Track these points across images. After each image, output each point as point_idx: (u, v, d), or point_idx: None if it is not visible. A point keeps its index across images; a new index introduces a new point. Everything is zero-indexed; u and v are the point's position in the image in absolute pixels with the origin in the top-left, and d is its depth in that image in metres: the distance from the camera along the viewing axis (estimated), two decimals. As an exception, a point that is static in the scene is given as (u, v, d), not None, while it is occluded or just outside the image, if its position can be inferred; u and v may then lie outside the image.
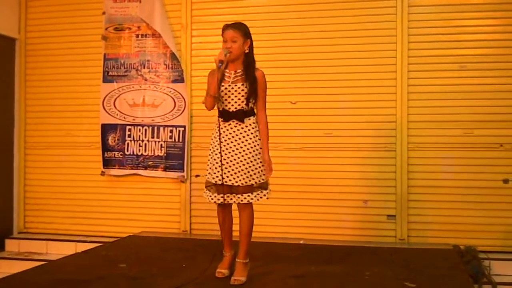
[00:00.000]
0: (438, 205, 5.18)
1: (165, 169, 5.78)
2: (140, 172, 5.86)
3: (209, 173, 3.67)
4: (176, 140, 5.75)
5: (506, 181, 5.07)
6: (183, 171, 5.69)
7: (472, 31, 5.20)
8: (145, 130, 5.84)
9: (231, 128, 3.61)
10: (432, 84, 5.23)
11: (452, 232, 5.12)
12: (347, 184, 5.38)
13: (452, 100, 5.20)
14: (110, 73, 5.94)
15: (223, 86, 3.58)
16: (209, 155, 3.69)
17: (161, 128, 5.80)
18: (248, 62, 3.62)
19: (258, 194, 3.60)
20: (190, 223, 5.72)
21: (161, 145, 5.79)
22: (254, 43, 5.40)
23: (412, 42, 5.26)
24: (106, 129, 5.93)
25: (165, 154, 5.78)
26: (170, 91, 5.78)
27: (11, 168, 6.18)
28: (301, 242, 5.21)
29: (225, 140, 3.60)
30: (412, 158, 5.25)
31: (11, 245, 5.96)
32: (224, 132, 3.62)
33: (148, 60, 5.84)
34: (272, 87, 5.34)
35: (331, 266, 4.20)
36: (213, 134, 3.69)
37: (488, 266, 4.73)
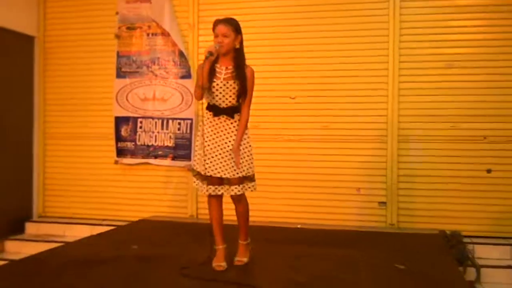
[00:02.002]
0: (426, 193, 5.15)
1: (174, 158, 5.74)
2: (151, 161, 5.83)
3: (197, 163, 3.49)
4: (184, 131, 5.72)
5: (489, 171, 5.05)
6: (190, 160, 5.66)
7: (459, 32, 5.15)
8: (155, 122, 5.81)
9: (221, 122, 3.44)
10: (421, 81, 5.19)
11: (439, 218, 5.09)
12: (342, 173, 5.34)
13: (439, 95, 5.15)
14: (123, 70, 5.89)
15: (214, 82, 3.39)
16: (197, 146, 3.51)
17: (170, 121, 5.76)
18: (239, 59, 3.43)
19: (245, 186, 3.45)
20: (197, 208, 5.69)
21: (170, 136, 5.76)
22: (257, 42, 5.38)
23: (403, 42, 5.20)
24: (119, 121, 5.89)
25: (173, 145, 5.74)
26: (178, 86, 5.73)
27: (31, 157, 6.15)
28: (299, 226, 5.19)
29: (214, 134, 3.45)
30: (402, 149, 5.22)
31: (31, 228, 5.94)
32: (213, 126, 3.46)
33: (158, 58, 5.79)
34: (273, 83, 5.42)
35: (326, 249, 4.19)
36: (200, 126, 3.53)
37: (472, 250, 4.70)
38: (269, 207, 5.40)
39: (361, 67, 5.30)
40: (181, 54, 5.68)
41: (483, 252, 4.74)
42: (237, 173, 3.40)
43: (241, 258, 3.61)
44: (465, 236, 4.81)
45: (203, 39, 5.65)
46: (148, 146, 5.83)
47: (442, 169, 5.12)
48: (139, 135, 5.86)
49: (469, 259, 4.56)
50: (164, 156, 5.78)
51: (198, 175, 3.50)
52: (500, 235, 4.94)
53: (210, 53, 3.31)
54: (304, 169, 5.41)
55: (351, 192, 5.33)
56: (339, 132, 5.36)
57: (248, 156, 3.47)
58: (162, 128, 5.79)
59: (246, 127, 3.49)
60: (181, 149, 5.72)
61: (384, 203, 5.26)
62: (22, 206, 6.03)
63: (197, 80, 3.44)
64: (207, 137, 3.46)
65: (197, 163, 3.50)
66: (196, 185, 3.53)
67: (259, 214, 5.06)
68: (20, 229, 5.89)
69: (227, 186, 3.43)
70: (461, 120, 5.11)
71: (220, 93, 3.42)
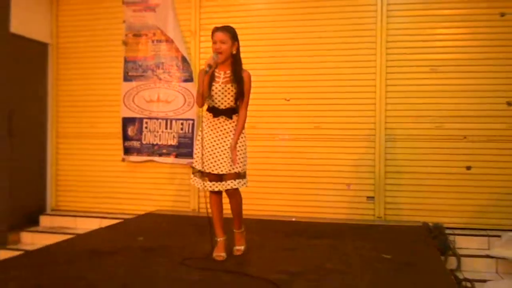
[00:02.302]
0: (411, 188, 5.20)
1: (177, 156, 5.78)
2: (155, 158, 5.87)
3: (197, 162, 3.53)
4: (186, 131, 5.75)
5: (469, 168, 5.09)
6: (192, 158, 5.68)
7: (442, 39, 5.19)
8: (160, 122, 5.84)
9: (220, 123, 3.49)
10: (407, 84, 5.23)
11: (422, 211, 5.13)
12: (333, 170, 5.38)
13: (424, 98, 5.19)
14: (129, 74, 5.93)
15: (213, 85, 3.42)
16: (197, 145, 3.55)
17: (173, 121, 5.79)
18: (236, 64, 3.45)
19: (239, 181, 3.47)
20: (198, 203, 5.73)
21: (173, 135, 5.79)
22: (255, 48, 5.41)
23: (390, 48, 5.25)
24: (126, 121, 5.93)
25: (177, 144, 5.78)
26: (181, 89, 5.77)
27: (45, 155, 6.21)
28: (293, 219, 5.22)
29: (214, 133, 3.48)
30: (389, 148, 5.26)
31: (45, 220, 5.99)
32: (213, 126, 3.49)
33: (162, 62, 5.82)
34: (269, 86, 5.46)
35: (319, 240, 4.21)
36: (201, 126, 3.55)
37: (453, 241, 4.75)
38: (265, 202, 5.45)
39: (351, 71, 5.35)
40: (184, 59, 5.72)
41: (463, 243, 4.79)
42: (233, 169, 3.45)
43: (239, 247, 3.66)
44: (447, 228, 4.87)
45: (204, 45, 5.70)
46: (153, 145, 5.87)
47: (426, 166, 5.17)
48: (145, 135, 5.89)
49: (450, 249, 4.61)
50: (168, 154, 5.81)
51: (198, 172, 3.55)
52: (478, 227, 4.99)
53: (210, 66, 3.35)
54: (298, 166, 5.45)
55: (342, 187, 5.37)
56: (330, 132, 5.41)
57: (243, 154, 3.52)
58: (166, 128, 5.82)
59: (243, 127, 3.53)
60: (183, 148, 5.76)
61: (372, 197, 5.30)
62: (37, 200, 6.09)
63: (198, 88, 3.48)
64: (207, 136, 3.51)
65: (197, 162, 3.54)
66: (192, 181, 3.58)
67: (256, 208, 5.13)
68: (35, 222, 5.95)
69: (224, 182, 3.48)
70: (444, 120, 5.16)
71: (219, 95, 3.46)
